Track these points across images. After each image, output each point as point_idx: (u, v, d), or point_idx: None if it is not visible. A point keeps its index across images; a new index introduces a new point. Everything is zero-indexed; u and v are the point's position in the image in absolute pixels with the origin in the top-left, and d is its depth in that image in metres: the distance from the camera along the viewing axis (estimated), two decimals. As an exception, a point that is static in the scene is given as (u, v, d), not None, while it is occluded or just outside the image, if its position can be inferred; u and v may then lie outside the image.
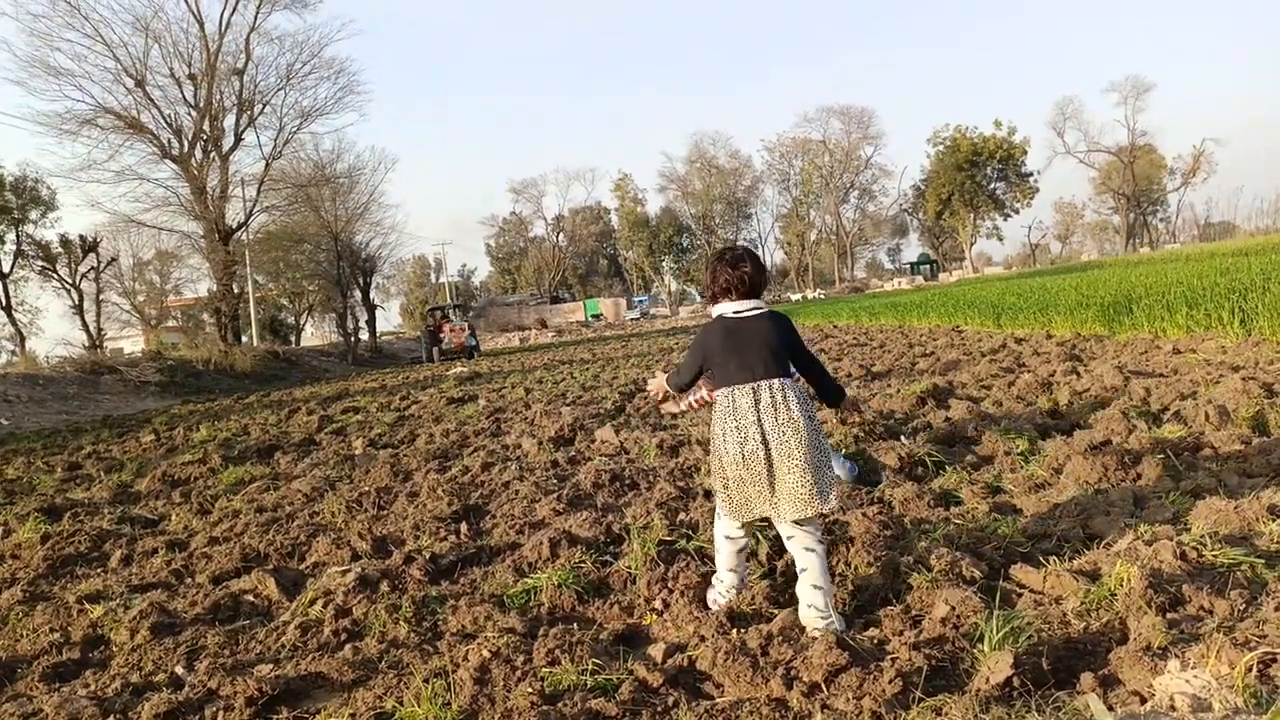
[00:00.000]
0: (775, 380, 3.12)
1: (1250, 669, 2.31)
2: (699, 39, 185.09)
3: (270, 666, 3.33)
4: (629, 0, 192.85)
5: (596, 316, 76.40)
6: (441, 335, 35.19)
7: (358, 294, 46.68)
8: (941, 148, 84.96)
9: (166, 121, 33.78)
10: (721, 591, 3.45)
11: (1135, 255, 63.35)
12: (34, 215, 42.89)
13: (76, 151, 42.56)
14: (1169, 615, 2.80)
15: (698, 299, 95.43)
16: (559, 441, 7.98)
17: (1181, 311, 11.09)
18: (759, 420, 3.06)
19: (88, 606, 4.33)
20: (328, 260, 44.04)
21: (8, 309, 42.30)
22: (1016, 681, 2.50)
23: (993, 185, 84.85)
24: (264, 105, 36.50)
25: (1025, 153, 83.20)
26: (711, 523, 4.01)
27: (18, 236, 42.24)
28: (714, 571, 3.58)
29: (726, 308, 3.26)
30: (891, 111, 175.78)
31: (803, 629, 3.03)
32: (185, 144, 34.20)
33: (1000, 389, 7.95)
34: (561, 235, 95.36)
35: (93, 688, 3.32)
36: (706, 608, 3.41)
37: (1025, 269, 75.92)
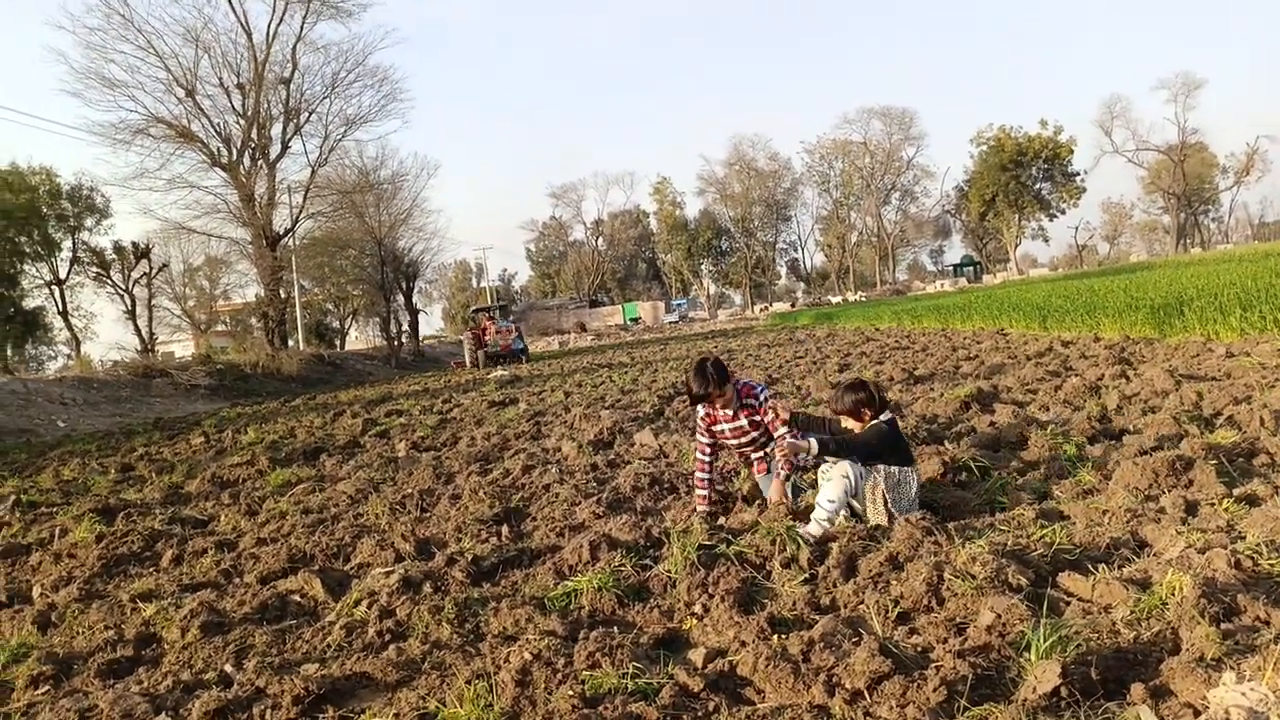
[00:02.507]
0: None
1: (1309, 682, 2.25)
2: (738, 42, 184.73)
3: (316, 666, 3.38)
4: (668, 4, 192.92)
5: (635, 320, 76.47)
6: (486, 338, 33.19)
7: (400, 298, 47.28)
8: (985, 148, 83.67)
9: (216, 130, 34.54)
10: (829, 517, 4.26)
11: (1186, 256, 61.84)
12: (89, 223, 44.19)
13: (130, 160, 43.63)
14: (1223, 625, 2.72)
15: (736, 302, 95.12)
16: (598, 445, 8.01)
17: (1235, 314, 10.80)
18: None
19: (140, 605, 4.44)
20: (372, 265, 44.71)
21: (64, 314, 43.57)
22: (1064, 691, 2.45)
23: (1038, 185, 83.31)
24: (310, 113, 37.14)
25: (1072, 152, 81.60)
26: (754, 530, 4.17)
27: (74, 244, 43.53)
28: (753, 577, 3.80)
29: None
30: (934, 112, 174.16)
31: (844, 636, 3.01)
32: (234, 152, 34.92)
33: (1047, 393, 7.82)
34: (600, 239, 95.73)
35: (145, 684, 3.40)
36: (748, 612, 3.40)
37: (1072, 270, 74.48)
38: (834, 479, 4.30)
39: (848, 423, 4.67)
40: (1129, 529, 3.87)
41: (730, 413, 4.99)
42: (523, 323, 41.28)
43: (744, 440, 5.06)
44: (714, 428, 5.07)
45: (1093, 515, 4.14)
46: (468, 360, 33.27)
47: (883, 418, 4.56)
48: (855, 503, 4.39)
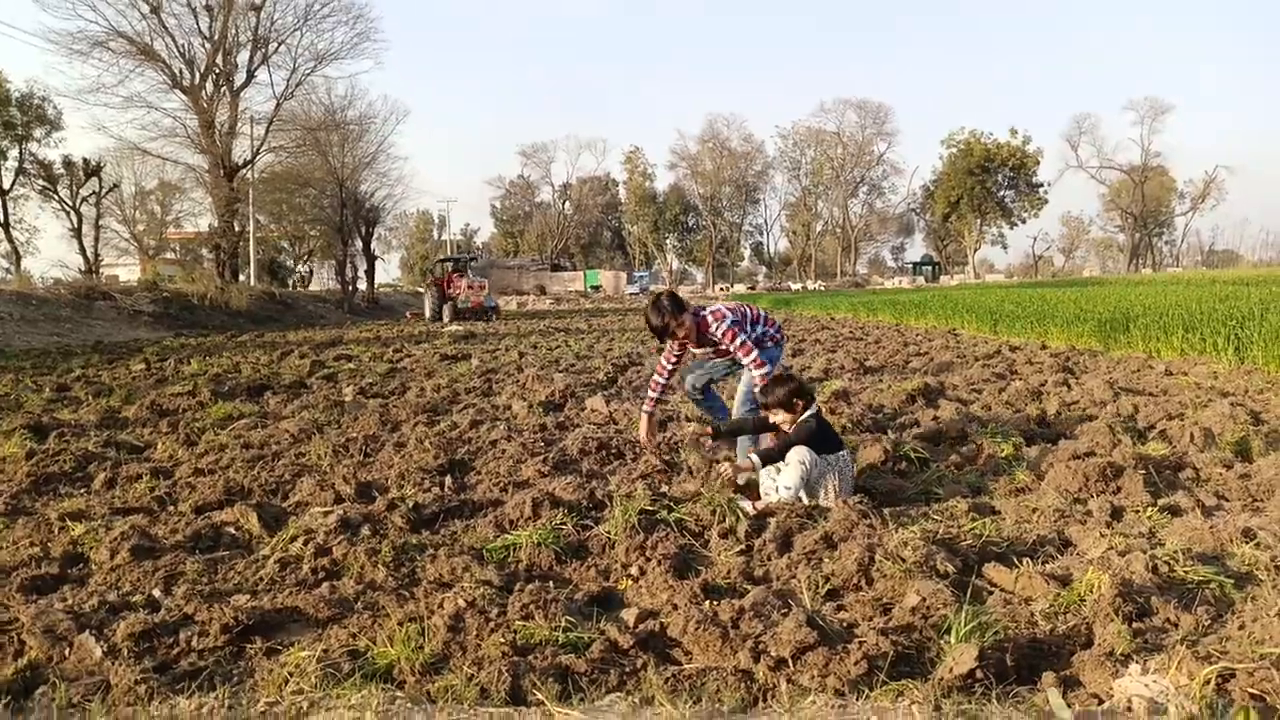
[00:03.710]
0: None
1: (1209, 681, 2.36)
2: (722, 22, 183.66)
3: (247, 597, 3.35)
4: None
5: (596, 288, 76.15)
6: (454, 292, 30.91)
7: (359, 243, 46.44)
8: (955, 150, 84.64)
9: (179, 51, 33.47)
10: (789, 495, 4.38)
11: (1137, 275, 63.39)
12: (38, 134, 42.54)
13: (86, 73, 42.24)
14: (1135, 624, 2.84)
15: (698, 279, 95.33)
16: (549, 406, 8.00)
17: (1177, 334, 11.14)
18: None
19: (69, 524, 4.35)
20: (331, 206, 43.76)
21: (5, 226, 42.03)
22: (979, 674, 2.54)
23: (1002, 192, 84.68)
24: (279, 44, 36.16)
25: (1038, 163, 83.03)
26: (695, 500, 4.24)
27: (20, 154, 41.90)
28: (691, 545, 3.90)
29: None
30: (908, 109, 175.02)
31: (774, 606, 3.07)
32: (196, 75, 33.89)
33: (991, 393, 8.00)
34: (568, 203, 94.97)
35: (70, 602, 3.34)
36: (683, 577, 3.45)
37: (1026, 279, 75.95)
38: (791, 464, 4.39)
39: (777, 416, 4.72)
40: (1056, 528, 4.00)
41: (695, 340, 5.34)
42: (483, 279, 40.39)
43: (717, 357, 5.51)
44: (688, 348, 5.46)
45: (1023, 512, 4.27)
46: (427, 312, 31.87)
47: (809, 412, 4.65)
48: (805, 494, 4.45)
